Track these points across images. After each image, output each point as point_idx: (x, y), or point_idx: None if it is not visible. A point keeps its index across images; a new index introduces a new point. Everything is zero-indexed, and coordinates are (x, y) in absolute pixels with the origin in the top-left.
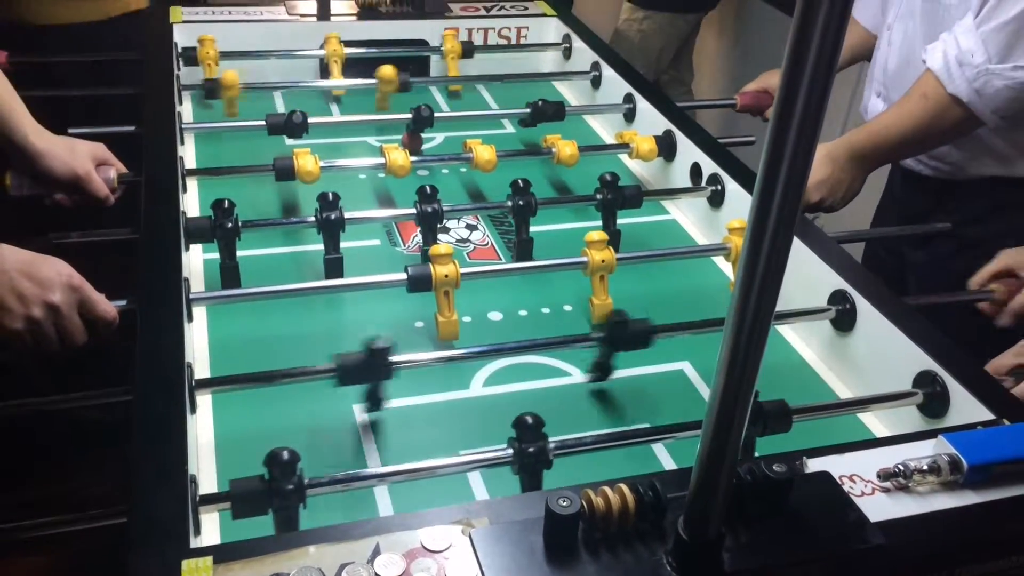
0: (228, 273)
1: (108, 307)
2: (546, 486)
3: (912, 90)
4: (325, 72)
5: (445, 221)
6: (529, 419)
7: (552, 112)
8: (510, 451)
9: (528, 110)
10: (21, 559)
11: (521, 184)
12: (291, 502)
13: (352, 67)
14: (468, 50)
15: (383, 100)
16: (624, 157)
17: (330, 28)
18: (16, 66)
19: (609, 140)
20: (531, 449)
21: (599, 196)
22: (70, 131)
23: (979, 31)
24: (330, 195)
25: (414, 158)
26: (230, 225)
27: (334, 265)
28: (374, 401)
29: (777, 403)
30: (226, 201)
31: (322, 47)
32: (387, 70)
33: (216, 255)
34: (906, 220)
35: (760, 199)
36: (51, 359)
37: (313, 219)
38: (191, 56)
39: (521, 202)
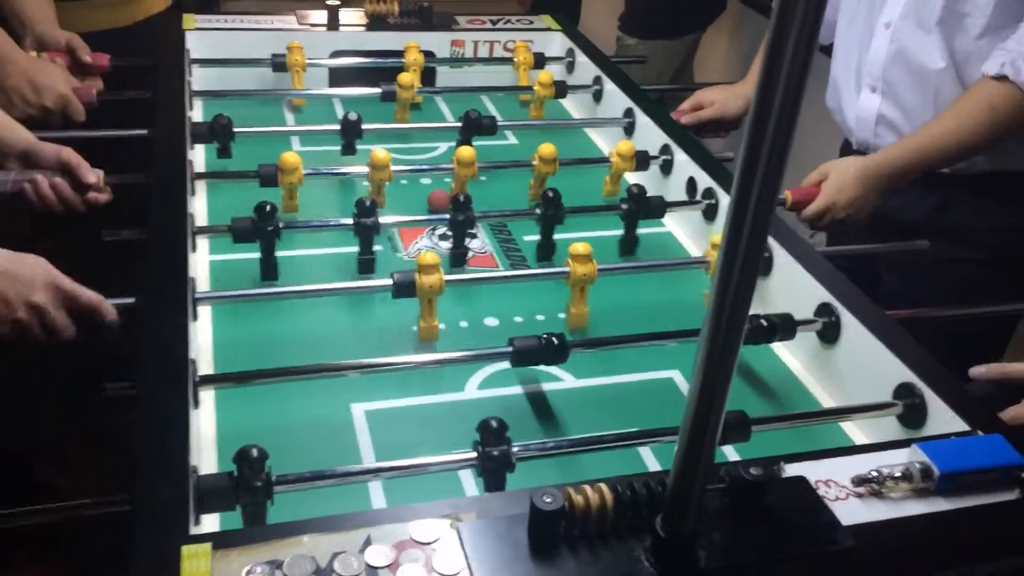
0: (267, 270)
1: (91, 296)
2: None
3: (970, 103)
4: (334, 80)
5: (443, 229)
6: (493, 423)
7: (487, 125)
8: (474, 454)
9: (460, 124)
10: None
11: (551, 195)
12: (259, 498)
13: (364, 77)
14: (540, 62)
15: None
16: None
17: (338, 39)
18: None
19: (608, 152)
20: (494, 452)
21: (624, 206)
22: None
23: None
24: (367, 201)
25: (396, 167)
26: (271, 228)
27: (366, 265)
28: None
29: (736, 413)
30: (268, 205)
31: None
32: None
33: (223, 256)
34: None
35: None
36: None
37: (350, 222)
38: (280, 63)
39: (550, 212)
